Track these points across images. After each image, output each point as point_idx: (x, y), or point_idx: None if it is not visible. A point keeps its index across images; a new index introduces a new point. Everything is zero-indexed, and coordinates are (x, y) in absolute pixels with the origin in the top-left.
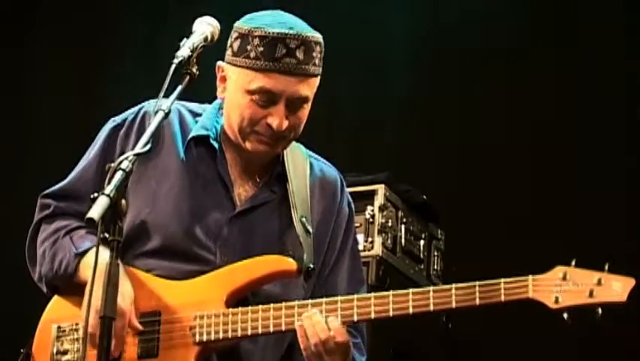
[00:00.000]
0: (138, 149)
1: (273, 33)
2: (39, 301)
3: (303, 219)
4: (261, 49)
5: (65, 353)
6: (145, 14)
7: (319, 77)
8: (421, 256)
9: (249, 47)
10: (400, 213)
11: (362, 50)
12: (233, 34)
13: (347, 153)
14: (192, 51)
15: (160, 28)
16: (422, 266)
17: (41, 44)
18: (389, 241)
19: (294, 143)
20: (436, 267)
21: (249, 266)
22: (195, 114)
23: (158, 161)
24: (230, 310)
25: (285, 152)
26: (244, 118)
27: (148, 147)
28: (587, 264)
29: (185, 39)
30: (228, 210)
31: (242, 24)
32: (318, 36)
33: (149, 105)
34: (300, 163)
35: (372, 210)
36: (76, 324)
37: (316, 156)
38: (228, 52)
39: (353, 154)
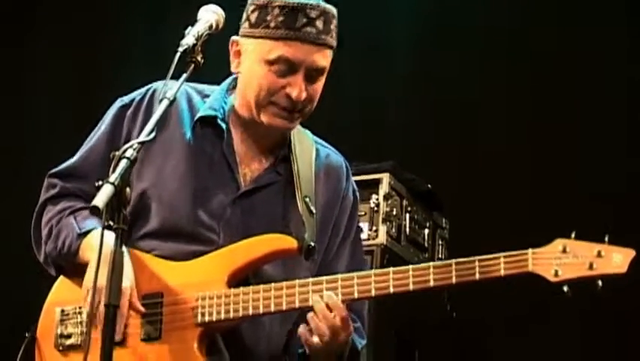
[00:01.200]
0: (143, 137)
1: (294, 3)
2: (40, 289)
3: (307, 199)
4: (282, 18)
5: (69, 336)
6: (145, 13)
7: (333, 51)
8: (426, 244)
9: (268, 17)
10: (405, 202)
11: (367, 37)
12: (250, 7)
13: (352, 141)
14: (197, 39)
15: (161, 28)
16: (426, 255)
17: (41, 44)
18: (394, 230)
19: (300, 128)
20: (440, 256)
21: (249, 245)
22: (204, 95)
23: (164, 140)
24: (232, 290)
25: (292, 135)
26: (262, 88)
27: (152, 135)
28: (587, 237)
29: (189, 27)
30: (232, 191)
31: None
32: (333, 9)
33: (157, 85)
34: (307, 148)
35: (377, 199)
36: (80, 307)
37: (323, 142)
38: (245, 25)
39: (358, 143)
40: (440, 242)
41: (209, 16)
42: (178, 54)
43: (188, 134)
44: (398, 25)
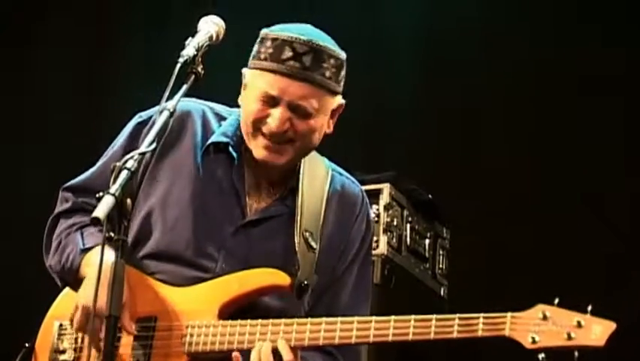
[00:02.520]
0: (144, 148)
1: (284, 36)
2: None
3: (307, 234)
4: (271, 50)
5: (63, 352)
6: (146, 22)
7: (336, 97)
8: (427, 255)
9: (262, 50)
10: (406, 212)
11: (369, 47)
12: (257, 41)
13: (353, 151)
14: (197, 50)
15: (163, 29)
16: (427, 265)
17: (43, 44)
18: (394, 240)
19: (316, 155)
20: (441, 266)
21: (243, 278)
22: (221, 117)
23: (174, 162)
24: (221, 322)
25: (303, 164)
26: (249, 117)
27: (153, 146)
28: (574, 293)
29: (190, 38)
30: (237, 220)
31: (265, 30)
32: (335, 50)
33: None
34: (319, 176)
35: (378, 209)
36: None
37: (341, 170)
38: (250, 57)
39: (359, 153)
40: (441, 252)
41: (210, 27)
42: (178, 65)
43: (199, 158)
44: (400, 36)
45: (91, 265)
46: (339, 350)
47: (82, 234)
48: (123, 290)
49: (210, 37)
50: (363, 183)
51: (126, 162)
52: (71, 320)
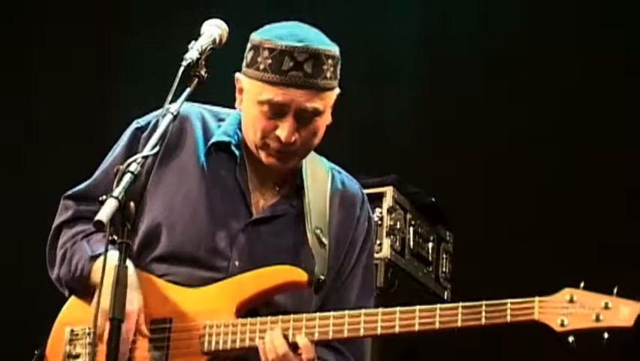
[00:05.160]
0: (147, 151)
1: (281, 46)
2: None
3: (317, 231)
4: (269, 61)
5: (77, 357)
6: (149, 24)
7: (335, 90)
8: (430, 258)
9: (259, 59)
10: (409, 216)
11: (371, 49)
12: (248, 45)
13: (355, 154)
14: (201, 53)
15: (166, 29)
16: (431, 268)
17: (43, 43)
18: (397, 244)
19: (315, 155)
20: (444, 269)
21: (259, 276)
22: (219, 119)
23: (178, 164)
24: (240, 320)
25: (304, 163)
26: (256, 130)
27: (156, 149)
28: (595, 278)
29: (193, 41)
30: (244, 219)
31: (255, 35)
32: (330, 49)
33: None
34: (321, 175)
35: (381, 213)
36: (89, 328)
37: (339, 168)
38: (243, 63)
39: (361, 156)
40: (444, 255)
41: (213, 30)
42: (182, 68)
43: (202, 159)
44: (401, 38)
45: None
46: (348, 349)
47: (88, 241)
48: (126, 293)
49: (214, 41)
50: (365, 186)
51: (129, 165)
52: (87, 328)
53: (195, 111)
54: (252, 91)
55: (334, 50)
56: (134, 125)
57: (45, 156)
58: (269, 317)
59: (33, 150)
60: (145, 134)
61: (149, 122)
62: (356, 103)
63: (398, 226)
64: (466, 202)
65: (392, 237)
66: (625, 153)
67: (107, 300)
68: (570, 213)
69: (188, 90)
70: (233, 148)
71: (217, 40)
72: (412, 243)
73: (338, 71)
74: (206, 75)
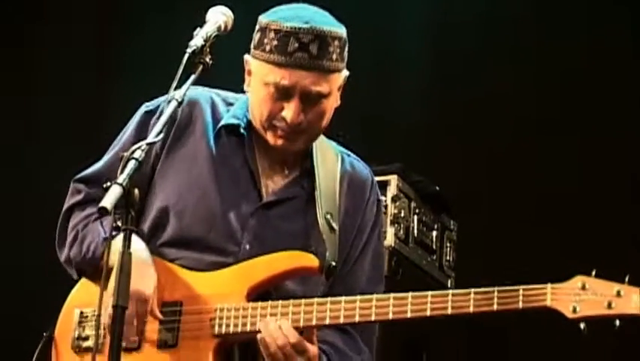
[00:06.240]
0: (151, 138)
1: (286, 27)
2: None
3: (328, 216)
4: (275, 42)
5: (86, 338)
6: (155, 6)
7: (342, 71)
8: (434, 246)
9: (265, 41)
10: (413, 204)
11: (376, 38)
12: (256, 27)
13: (360, 143)
14: (205, 40)
15: (171, 20)
16: (434, 257)
17: (45, 45)
18: (402, 232)
19: (324, 139)
20: (448, 258)
21: (270, 261)
22: (228, 103)
23: (187, 149)
24: (251, 304)
25: (314, 146)
26: (263, 112)
27: (161, 136)
28: (605, 264)
29: (198, 28)
30: (254, 202)
31: (263, 17)
32: (337, 30)
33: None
34: (330, 158)
35: (385, 201)
36: (98, 311)
37: (348, 152)
38: (251, 45)
39: (366, 144)
40: (448, 244)
41: (218, 17)
42: (186, 55)
43: (211, 143)
44: (405, 29)
45: (118, 254)
46: (356, 329)
47: (101, 223)
48: (130, 280)
49: (219, 28)
50: None
51: (134, 152)
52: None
53: (205, 95)
54: (259, 72)
55: (341, 31)
56: (143, 108)
57: (45, 156)
58: (280, 301)
59: (33, 150)
60: (155, 118)
61: (158, 106)
62: (361, 91)
63: (402, 215)
64: (470, 191)
65: (396, 225)
66: (629, 141)
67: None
68: (575, 202)
69: (193, 77)
70: (242, 131)
71: (222, 27)
72: (416, 231)
73: (345, 53)
74: (210, 62)
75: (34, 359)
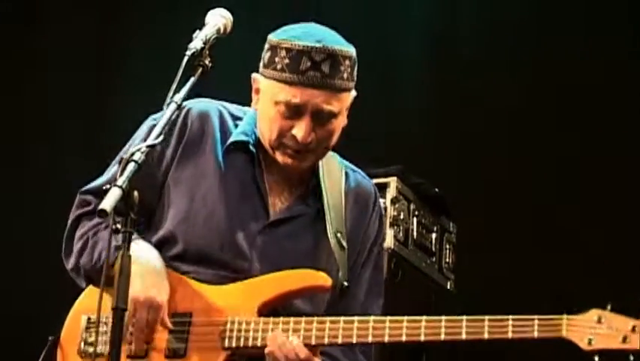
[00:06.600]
0: (151, 140)
1: (299, 46)
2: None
3: (338, 235)
4: (287, 61)
5: (93, 344)
6: (156, 7)
7: (351, 91)
8: (433, 249)
9: (276, 59)
10: (412, 206)
11: (376, 43)
12: (265, 46)
13: (359, 145)
14: (205, 43)
15: (171, 21)
16: (434, 259)
17: (44, 44)
18: (401, 234)
19: (329, 152)
20: (447, 260)
21: (283, 278)
22: (236, 117)
23: (197, 163)
24: (262, 319)
25: (320, 163)
26: (272, 131)
27: (160, 138)
28: (605, 265)
29: (197, 31)
30: (262, 220)
31: (273, 36)
32: (348, 50)
33: (191, 104)
34: (335, 173)
35: (385, 203)
36: (107, 317)
37: (352, 166)
38: (260, 63)
39: (365, 147)
40: (447, 246)
41: (217, 20)
42: (186, 58)
43: (220, 158)
44: (407, 33)
45: (132, 261)
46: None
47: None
48: (129, 283)
49: (218, 30)
50: (370, 176)
51: (133, 154)
52: (105, 316)
53: (214, 109)
54: (269, 91)
55: (351, 50)
56: (150, 121)
57: (45, 155)
58: (291, 318)
59: (33, 149)
60: None
61: None
62: (361, 93)
63: (402, 217)
64: (469, 193)
65: (395, 227)
66: (629, 143)
67: (141, 288)
68: (575, 205)
69: (192, 79)
70: (251, 147)
71: (221, 30)
72: (415, 233)
73: (355, 73)
74: (210, 65)
75: None
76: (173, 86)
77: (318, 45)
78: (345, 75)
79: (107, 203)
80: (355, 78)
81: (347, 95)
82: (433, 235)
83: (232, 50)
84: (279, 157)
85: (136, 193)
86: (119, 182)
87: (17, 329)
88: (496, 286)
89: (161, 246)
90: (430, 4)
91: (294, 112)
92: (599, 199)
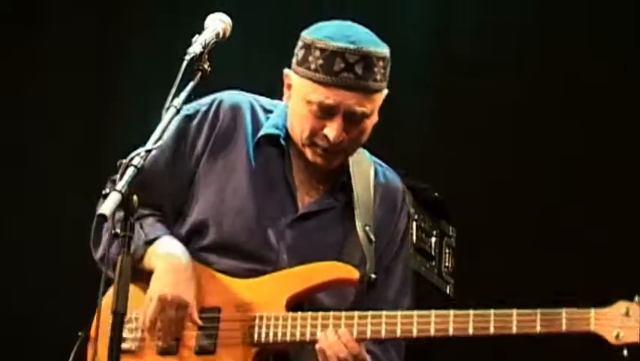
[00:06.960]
0: (150, 145)
1: (333, 47)
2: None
3: (367, 228)
4: (321, 62)
5: (123, 341)
6: (156, 7)
7: (383, 91)
8: (433, 253)
9: (310, 58)
10: (412, 210)
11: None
12: (299, 43)
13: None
14: (204, 47)
15: (171, 22)
16: (433, 263)
17: (45, 41)
18: None
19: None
20: (447, 264)
21: (310, 271)
22: (267, 110)
23: (229, 156)
24: (291, 314)
25: (350, 158)
26: (304, 129)
27: (160, 143)
28: (604, 267)
29: (197, 35)
30: (291, 213)
31: (307, 34)
32: (382, 51)
33: (223, 96)
34: (365, 169)
35: None
36: (136, 313)
37: (380, 162)
38: (294, 60)
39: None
40: (447, 250)
41: (217, 24)
42: (185, 62)
43: (251, 151)
44: (412, 34)
45: (159, 258)
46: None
47: (141, 225)
48: (129, 286)
49: (217, 35)
50: None
51: (132, 158)
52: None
53: (245, 101)
54: (302, 90)
55: (385, 51)
56: (184, 112)
57: (45, 155)
58: (320, 313)
59: (33, 149)
60: (194, 122)
61: (197, 110)
62: None
63: None
64: (469, 197)
65: None
66: (629, 144)
67: (166, 285)
68: (576, 209)
69: (191, 84)
70: (281, 141)
71: (220, 34)
72: (414, 237)
73: (388, 73)
74: (209, 69)
75: (70, 359)
76: (172, 91)
77: (352, 47)
78: (378, 76)
79: (107, 207)
80: (388, 77)
81: (379, 95)
82: (433, 240)
83: (231, 52)
84: (309, 154)
85: (135, 198)
86: (119, 187)
87: (17, 329)
88: (496, 290)
89: (191, 236)
90: (430, 3)
91: (326, 112)
92: (603, 200)
